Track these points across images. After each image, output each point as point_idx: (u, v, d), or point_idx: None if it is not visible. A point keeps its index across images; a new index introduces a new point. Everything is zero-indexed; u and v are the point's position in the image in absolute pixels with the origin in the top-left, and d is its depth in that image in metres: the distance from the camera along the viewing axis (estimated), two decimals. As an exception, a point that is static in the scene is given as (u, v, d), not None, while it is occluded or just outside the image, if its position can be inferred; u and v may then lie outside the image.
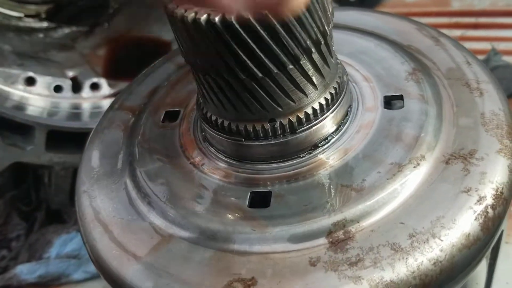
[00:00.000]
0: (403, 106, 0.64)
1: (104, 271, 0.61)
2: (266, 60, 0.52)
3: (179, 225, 0.59)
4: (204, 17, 0.49)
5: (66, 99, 1.21)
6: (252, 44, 0.50)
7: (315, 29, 0.53)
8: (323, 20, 0.54)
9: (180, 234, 0.58)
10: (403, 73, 0.68)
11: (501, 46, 1.36)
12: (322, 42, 0.55)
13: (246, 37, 0.49)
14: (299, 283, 0.51)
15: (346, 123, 0.63)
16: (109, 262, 0.60)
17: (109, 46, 1.45)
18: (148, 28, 1.43)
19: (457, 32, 1.45)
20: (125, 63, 1.40)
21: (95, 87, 1.28)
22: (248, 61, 0.52)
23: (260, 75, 0.53)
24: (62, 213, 1.21)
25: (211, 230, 0.57)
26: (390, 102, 0.65)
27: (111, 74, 1.34)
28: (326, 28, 0.55)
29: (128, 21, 1.47)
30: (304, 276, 0.51)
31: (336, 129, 0.62)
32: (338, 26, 0.79)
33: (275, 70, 0.53)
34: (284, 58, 0.52)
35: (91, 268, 1.10)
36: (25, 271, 1.08)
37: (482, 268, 0.83)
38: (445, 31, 1.42)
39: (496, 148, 0.58)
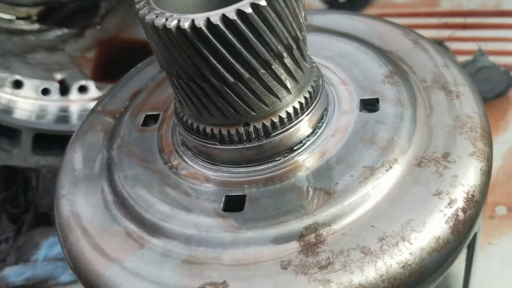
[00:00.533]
0: (378, 109, 0.64)
1: (80, 274, 0.61)
2: (237, 65, 0.52)
3: (154, 229, 0.59)
4: (174, 23, 0.49)
5: (53, 102, 1.21)
6: (222, 49, 0.50)
7: (286, 34, 0.53)
8: (294, 25, 0.54)
9: (154, 238, 0.58)
10: (380, 76, 0.68)
11: (489, 46, 1.36)
12: (294, 47, 0.56)
13: (215, 42, 0.50)
14: (270, 286, 0.51)
15: (321, 127, 0.63)
16: (85, 265, 0.60)
17: (98, 49, 1.45)
18: (137, 30, 1.44)
19: (446, 33, 1.46)
20: (115, 65, 1.40)
21: (83, 89, 1.29)
22: (219, 67, 0.52)
23: (232, 80, 0.53)
24: (49, 216, 1.21)
25: (185, 234, 0.57)
26: (366, 105, 0.65)
27: (100, 76, 1.34)
28: (298, 33, 0.55)
29: (118, 23, 1.48)
30: (275, 279, 0.51)
31: (312, 132, 0.62)
32: (319, 29, 0.80)
33: (247, 75, 0.53)
34: (255, 63, 0.53)
35: (78, 271, 1.10)
36: (12, 273, 1.09)
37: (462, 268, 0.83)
38: (434, 31, 1.43)
39: (469, 151, 0.58)
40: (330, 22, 0.81)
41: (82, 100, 1.26)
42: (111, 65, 1.41)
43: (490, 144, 0.61)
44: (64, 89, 1.26)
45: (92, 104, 1.26)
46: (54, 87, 1.24)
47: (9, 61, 1.21)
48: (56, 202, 0.69)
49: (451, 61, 0.71)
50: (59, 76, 1.26)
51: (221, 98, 0.56)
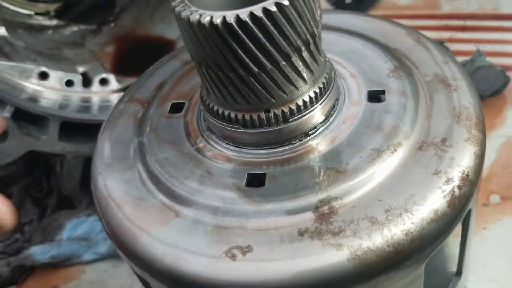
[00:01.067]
0: (384, 100, 0.72)
1: (118, 243, 0.69)
2: (262, 57, 0.60)
3: (184, 202, 0.66)
4: (207, 19, 0.57)
5: (76, 93, 1.29)
6: (248, 42, 0.58)
7: (305, 30, 0.61)
8: (311, 22, 0.62)
9: (184, 210, 0.66)
10: (386, 70, 0.76)
11: (487, 47, 1.43)
12: (311, 42, 0.63)
13: (243, 36, 0.57)
14: (289, 250, 0.58)
15: (333, 115, 0.71)
16: (122, 235, 0.68)
17: (116, 44, 1.52)
18: (152, 27, 1.50)
19: (446, 34, 1.53)
20: (131, 60, 1.47)
21: (104, 82, 1.36)
22: (246, 58, 0.59)
23: (256, 70, 0.61)
24: (72, 200, 1.28)
25: (212, 206, 0.65)
26: (373, 96, 0.73)
27: (119, 70, 1.42)
28: (314, 29, 0.63)
29: (133, 20, 1.54)
30: (293, 244, 0.59)
31: (324, 120, 0.70)
32: (330, 28, 0.87)
33: (269, 66, 0.61)
34: (277, 56, 0.60)
35: (100, 250, 1.18)
36: (39, 252, 1.16)
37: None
38: (434, 33, 1.51)
39: (465, 137, 0.66)
40: (340, 21, 0.89)
41: (103, 92, 1.33)
42: (128, 60, 1.48)
43: (483, 132, 0.68)
44: (86, 81, 1.33)
45: (113, 96, 1.34)
46: (77, 79, 1.31)
47: (35, 54, 1.28)
48: (93, 179, 0.76)
49: (450, 58, 0.79)
50: (81, 69, 1.34)
51: (246, 86, 0.63)
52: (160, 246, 0.64)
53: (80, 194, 1.26)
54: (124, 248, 0.68)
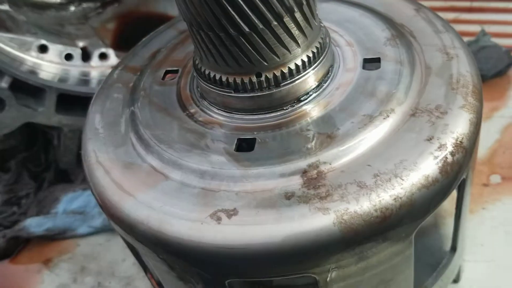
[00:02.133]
0: (380, 67, 0.70)
1: (105, 206, 0.68)
2: (252, 16, 0.58)
3: (173, 165, 0.65)
4: (198, -25, 0.55)
5: (76, 67, 1.28)
6: (239, 1, 0.56)
7: None
8: None
9: (172, 173, 0.65)
10: (383, 39, 0.74)
11: (492, 28, 1.40)
12: (304, 3, 0.62)
13: (234, -7, 0.56)
14: (274, 213, 0.57)
15: (327, 81, 0.69)
16: (109, 198, 0.67)
17: (118, 21, 1.51)
18: (155, 4, 1.49)
19: (451, 15, 1.50)
20: (133, 37, 1.46)
21: (103, 57, 1.35)
22: (236, 16, 0.58)
23: (247, 30, 0.59)
24: (69, 174, 1.28)
25: (200, 170, 0.63)
26: (368, 63, 0.71)
27: (119, 46, 1.41)
28: None
29: (137, -2, 1.53)
30: (279, 207, 0.58)
31: (317, 86, 0.68)
32: (328, -2, 0.86)
33: (260, 26, 0.59)
34: (269, 15, 0.59)
35: (95, 224, 1.17)
36: (34, 224, 1.16)
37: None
38: (439, 14, 1.47)
39: (460, 104, 0.64)
40: (340, -8, 0.87)
41: (102, 67, 1.32)
42: (129, 36, 1.47)
43: (480, 100, 0.66)
44: (86, 56, 1.32)
45: (111, 71, 1.32)
46: (77, 53, 1.30)
47: (36, 28, 1.27)
48: (83, 145, 0.75)
49: (449, 27, 0.77)
50: (81, 43, 1.33)
51: (237, 47, 0.62)
52: (145, 209, 0.63)
53: (77, 168, 1.26)
54: (110, 212, 0.67)
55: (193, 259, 0.61)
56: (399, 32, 0.75)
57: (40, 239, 1.18)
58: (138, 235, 0.63)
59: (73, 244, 1.19)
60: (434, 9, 1.49)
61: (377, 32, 0.76)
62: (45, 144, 1.32)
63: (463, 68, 0.69)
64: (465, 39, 1.37)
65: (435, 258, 0.91)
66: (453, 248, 0.80)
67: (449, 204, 0.73)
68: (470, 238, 0.94)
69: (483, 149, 1.12)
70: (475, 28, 1.38)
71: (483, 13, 1.49)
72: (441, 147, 0.60)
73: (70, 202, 1.19)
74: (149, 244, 0.63)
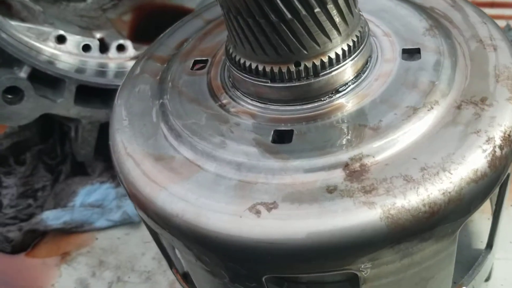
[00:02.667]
0: (420, 58, 0.68)
1: (137, 199, 0.66)
2: (296, 2, 0.56)
3: (207, 157, 0.63)
4: (241, -40, 0.53)
5: (93, 58, 1.26)
6: (283, -15, 0.54)
7: None
8: None
9: (207, 165, 0.63)
10: (421, 29, 0.72)
11: (517, 24, 1.38)
12: None
13: (278, -22, 0.54)
14: (317, 207, 0.55)
15: (365, 72, 0.67)
16: (141, 190, 0.65)
17: (134, 13, 1.49)
18: (172, -4, 1.47)
19: (474, 10, 1.48)
20: (149, 29, 1.44)
21: (121, 48, 1.33)
22: (279, 3, 0.56)
23: (289, 16, 0.57)
24: (86, 167, 1.26)
25: (236, 161, 0.61)
26: (407, 54, 0.69)
27: (136, 39, 1.39)
28: None
29: (153, -10, 1.51)
30: (322, 201, 0.55)
31: (356, 76, 0.66)
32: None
33: (303, 12, 0.57)
34: (312, 1, 0.57)
35: (113, 217, 1.15)
36: (51, 217, 1.14)
37: (485, 227, 0.87)
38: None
39: (506, 96, 0.62)
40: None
41: (120, 58, 1.30)
42: (146, 28, 1.45)
43: (525, 93, 0.64)
44: (103, 47, 1.30)
45: (129, 63, 1.31)
46: (95, 44, 1.28)
47: (52, 18, 1.25)
48: (111, 136, 0.73)
49: (488, 18, 0.74)
50: (98, 35, 1.31)
51: (277, 35, 0.59)
52: (180, 202, 0.61)
53: (94, 161, 1.24)
54: (142, 205, 0.65)
55: (231, 254, 0.59)
56: (438, 22, 0.73)
57: (57, 232, 1.17)
58: (173, 229, 0.61)
59: (91, 238, 1.17)
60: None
61: (414, 22, 0.73)
62: (61, 136, 1.30)
63: (506, 59, 0.67)
64: (489, 34, 1.35)
65: (464, 256, 0.89)
66: (489, 246, 0.78)
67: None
68: (500, 235, 0.92)
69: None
70: (499, 24, 1.36)
71: (506, 8, 1.47)
72: (489, 140, 0.58)
73: (87, 195, 1.17)
74: (185, 238, 0.61)
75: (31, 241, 1.17)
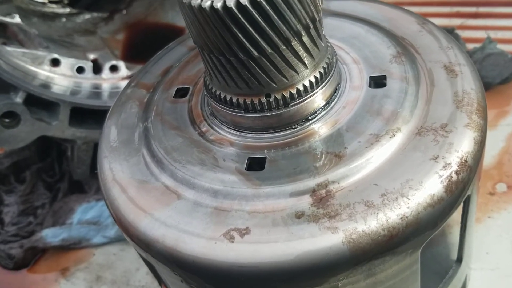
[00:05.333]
0: (385, 85, 0.72)
1: (121, 224, 0.70)
2: (261, 41, 0.60)
3: (186, 185, 0.68)
4: (208, 3, 0.57)
5: (87, 80, 1.31)
6: (248, 26, 0.58)
7: (304, 15, 0.61)
8: (311, 7, 0.62)
9: (186, 192, 0.67)
10: (388, 56, 0.76)
11: (499, 34, 1.41)
12: (311, 27, 0.63)
13: (243, 20, 0.58)
14: (285, 232, 0.59)
15: (334, 99, 0.71)
16: (125, 216, 0.69)
17: (127, 31, 1.54)
18: (163, 15, 1.52)
19: (457, 21, 1.51)
20: (142, 47, 1.49)
21: (114, 69, 1.38)
22: (246, 42, 0.60)
23: (256, 54, 0.61)
24: (83, 184, 1.31)
25: (213, 189, 0.66)
26: (374, 81, 0.73)
27: (129, 58, 1.43)
28: (315, 14, 0.63)
29: (145, 8, 1.56)
30: (290, 226, 0.60)
31: (325, 104, 0.70)
32: (335, 13, 0.87)
33: (269, 50, 0.61)
34: (277, 40, 0.61)
35: (109, 233, 1.20)
36: (50, 234, 1.19)
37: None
38: (446, 20, 1.50)
39: (465, 122, 0.66)
40: (346, 7, 0.89)
41: (113, 79, 1.35)
42: (138, 47, 1.50)
43: (484, 117, 0.68)
44: (97, 68, 1.35)
45: (122, 83, 1.35)
46: (88, 66, 1.33)
47: (47, 41, 1.30)
48: (99, 162, 0.78)
49: (454, 43, 0.78)
50: (92, 56, 1.36)
51: (247, 71, 0.64)
52: (161, 228, 0.65)
53: (90, 179, 1.29)
54: (127, 230, 0.69)
55: (207, 277, 0.63)
56: (405, 49, 0.77)
57: (57, 249, 1.22)
58: (154, 253, 0.66)
59: (88, 254, 1.22)
60: (440, 16, 1.52)
61: (382, 49, 0.77)
62: (59, 155, 1.35)
63: (468, 85, 0.71)
64: (472, 45, 1.39)
65: (443, 267, 0.92)
66: (459, 259, 0.82)
67: (457, 213, 0.75)
68: (477, 246, 0.96)
69: (489, 157, 1.13)
70: (482, 34, 1.39)
71: (489, 18, 1.50)
72: (446, 166, 0.62)
73: (84, 212, 1.22)
74: (165, 261, 0.65)
75: (32, 257, 1.22)
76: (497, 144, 1.16)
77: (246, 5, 0.56)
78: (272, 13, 0.58)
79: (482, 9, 1.52)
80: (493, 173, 1.11)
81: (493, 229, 1.02)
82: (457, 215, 0.83)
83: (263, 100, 0.67)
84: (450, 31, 1.39)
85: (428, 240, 0.64)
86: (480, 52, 1.30)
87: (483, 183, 1.09)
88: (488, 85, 1.25)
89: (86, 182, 1.30)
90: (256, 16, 0.58)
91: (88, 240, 1.20)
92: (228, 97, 0.69)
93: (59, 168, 1.34)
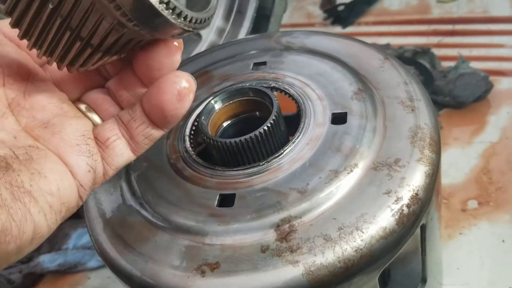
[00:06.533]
0: (346, 122, 0.77)
1: (105, 259, 0.76)
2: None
3: (163, 221, 0.73)
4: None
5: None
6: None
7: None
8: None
9: (163, 228, 0.73)
10: (350, 92, 0.81)
11: (474, 52, 1.46)
12: None
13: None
14: (251, 266, 0.65)
15: (299, 136, 0.77)
16: (108, 251, 0.75)
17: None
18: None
19: (434, 39, 1.56)
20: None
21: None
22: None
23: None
24: (78, 210, 1.37)
25: (187, 225, 0.71)
26: (336, 118, 0.78)
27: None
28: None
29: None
30: (256, 260, 0.65)
31: (290, 141, 0.76)
32: (304, 50, 0.93)
33: (232, 99, 0.67)
34: None
35: (103, 258, 1.26)
36: (47, 260, 1.25)
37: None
38: (423, 38, 1.55)
39: (417, 157, 0.71)
40: (315, 43, 0.95)
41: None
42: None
43: (437, 151, 0.73)
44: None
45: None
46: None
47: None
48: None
49: (413, 78, 0.83)
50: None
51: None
52: (139, 262, 0.71)
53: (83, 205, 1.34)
54: (110, 264, 0.75)
55: (182, 308, 0.68)
56: (365, 85, 0.82)
57: (54, 273, 1.28)
58: (135, 285, 0.71)
59: (84, 277, 1.27)
60: (419, 34, 1.57)
61: (345, 86, 0.83)
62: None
63: (422, 120, 0.76)
64: (448, 63, 1.44)
65: (415, 284, 0.98)
66: (424, 280, 0.87)
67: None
68: (448, 262, 1.00)
69: (461, 174, 1.18)
70: (458, 52, 1.44)
71: (466, 36, 1.55)
72: (397, 200, 0.67)
73: (79, 237, 1.28)
74: (145, 294, 0.71)
75: (30, 283, 1.28)
76: (470, 161, 1.21)
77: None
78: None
79: (458, 27, 1.57)
80: (466, 190, 1.15)
81: (464, 245, 1.07)
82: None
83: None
84: (425, 51, 1.44)
85: (401, 254, 0.69)
86: (454, 72, 1.35)
87: (455, 200, 1.14)
88: (461, 104, 1.30)
89: (79, 208, 1.35)
90: None
91: (83, 264, 1.26)
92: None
93: (55, 194, 1.40)
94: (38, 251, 1.31)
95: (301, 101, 0.81)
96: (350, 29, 1.75)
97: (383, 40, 1.60)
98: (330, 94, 0.82)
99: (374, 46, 0.93)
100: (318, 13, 1.84)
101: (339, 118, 0.78)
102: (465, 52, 1.43)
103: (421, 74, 1.40)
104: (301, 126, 0.78)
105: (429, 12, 1.67)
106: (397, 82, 0.83)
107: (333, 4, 1.87)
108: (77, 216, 1.38)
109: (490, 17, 1.56)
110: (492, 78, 1.35)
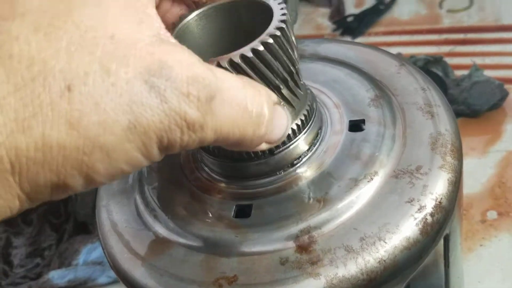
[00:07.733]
0: (364, 129, 0.75)
1: (118, 272, 0.74)
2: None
3: (178, 233, 0.71)
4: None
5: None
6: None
7: (282, 70, 0.65)
8: (288, 62, 0.66)
9: (178, 241, 0.71)
10: (367, 99, 0.79)
11: (487, 60, 1.45)
12: (289, 79, 0.67)
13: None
14: (270, 279, 0.63)
15: (316, 144, 0.74)
16: (121, 264, 0.73)
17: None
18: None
19: (446, 48, 1.55)
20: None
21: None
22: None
23: (237, 110, 0.65)
24: (87, 225, 1.35)
25: (203, 237, 0.69)
26: (354, 125, 0.77)
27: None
28: (291, 68, 0.67)
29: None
30: (274, 273, 0.63)
31: (308, 149, 0.74)
32: (317, 57, 0.92)
33: (250, 105, 0.65)
34: None
35: (113, 274, 1.24)
36: (57, 276, 1.23)
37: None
38: (434, 47, 1.54)
39: (439, 164, 0.69)
40: (327, 50, 0.93)
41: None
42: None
43: (459, 158, 0.71)
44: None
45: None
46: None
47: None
48: (97, 212, 0.82)
49: (430, 84, 0.82)
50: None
51: (230, 124, 0.68)
52: (154, 276, 0.69)
53: (94, 220, 1.33)
54: (124, 278, 0.73)
55: (199, 324, 0.66)
56: (382, 92, 0.80)
57: (63, 289, 1.26)
58: (150, 301, 0.69)
59: (94, 294, 1.25)
60: (430, 43, 1.55)
61: (362, 93, 0.81)
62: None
63: (442, 126, 0.74)
64: (460, 72, 1.43)
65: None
66: (447, 294, 0.84)
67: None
68: (469, 276, 0.97)
69: (478, 184, 1.16)
70: (471, 61, 1.42)
71: (478, 44, 1.53)
72: (421, 208, 0.65)
73: (89, 253, 1.26)
74: (159, 309, 0.69)
75: (40, 299, 1.26)
76: (486, 171, 1.18)
77: (226, 67, 0.61)
78: (251, 72, 0.62)
79: (470, 35, 1.56)
80: (484, 200, 1.13)
81: (484, 257, 1.04)
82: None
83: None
84: (438, 60, 1.43)
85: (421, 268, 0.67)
86: (468, 80, 1.33)
87: (473, 211, 1.11)
88: (476, 113, 1.28)
89: (90, 222, 1.34)
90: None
91: (93, 280, 1.24)
92: (215, 148, 0.73)
93: (65, 209, 1.39)
94: (48, 266, 1.29)
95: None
96: (360, 40, 1.74)
97: (393, 50, 1.57)
98: (346, 101, 0.80)
99: (388, 52, 0.91)
100: (327, 24, 1.83)
101: (356, 125, 0.76)
102: (478, 60, 1.41)
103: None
104: (318, 133, 0.76)
105: (439, 21, 1.65)
106: (414, 88, 0.81)
107: (342, 15, 1.87)
108: (87, 231, 1.38)
109: (502, 26, 1.55)
110: (506, 86, 1.33)
